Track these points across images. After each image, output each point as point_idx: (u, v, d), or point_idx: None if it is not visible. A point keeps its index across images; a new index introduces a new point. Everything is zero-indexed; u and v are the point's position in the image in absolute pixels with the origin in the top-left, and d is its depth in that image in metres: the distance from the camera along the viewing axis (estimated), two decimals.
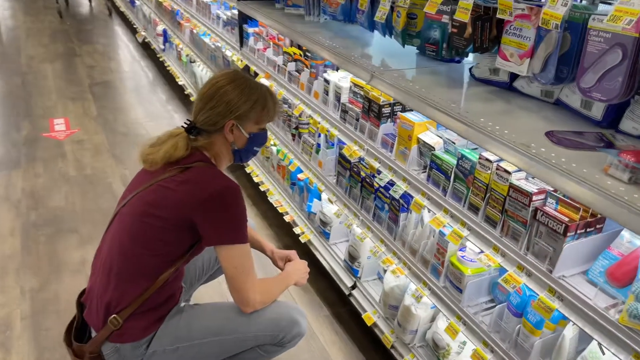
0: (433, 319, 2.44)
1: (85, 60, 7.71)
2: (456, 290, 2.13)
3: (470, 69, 2.33)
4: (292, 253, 2.43)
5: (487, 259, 1.83)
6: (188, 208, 1.89)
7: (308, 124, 3.35)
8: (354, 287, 2.90)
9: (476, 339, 2.02)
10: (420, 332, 2.45)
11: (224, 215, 1.90)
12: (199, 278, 2.56)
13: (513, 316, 1.86)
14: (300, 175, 3.32)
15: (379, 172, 2.45)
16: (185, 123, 2.09)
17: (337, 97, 2.83)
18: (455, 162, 2.04)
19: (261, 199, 4.03)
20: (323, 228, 3.23)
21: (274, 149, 3.82)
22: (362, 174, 2.71)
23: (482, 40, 1.92)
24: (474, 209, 1.94)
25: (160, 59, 7.20)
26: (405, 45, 2.44)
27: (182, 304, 2.19)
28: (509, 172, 1.77)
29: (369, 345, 2.80)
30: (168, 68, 6.75)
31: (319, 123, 2.97)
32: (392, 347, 2.53)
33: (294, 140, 3.46)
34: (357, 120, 2.64)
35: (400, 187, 2.28)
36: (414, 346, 2.47)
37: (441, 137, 2.20)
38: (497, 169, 1.82)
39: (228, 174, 2.19)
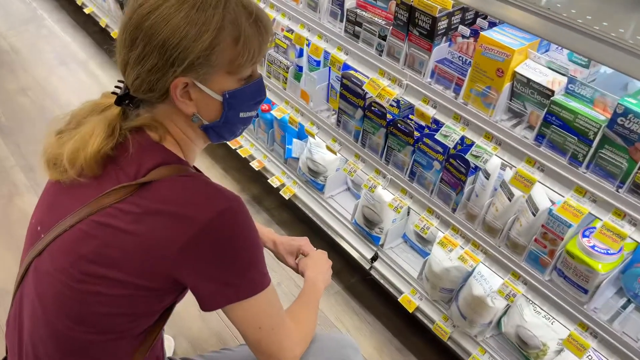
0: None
1: None
2: (576, 289, 1.50)
3: None
4: (304, 243, 1.64)
5: None
6: (162, 260, 1.03)
7: (274, 34, 2.35)
8: (375, 258, 2.21)
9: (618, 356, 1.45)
10: (494, 322, 1.86)
11: (226, 258, 1.06)
12: None
13: None
14: (274, 111, 2.39)
15: (438, 124, 1.64)
16: (117, 87, 1.13)
17: (338, 1, 1.86)
18: (601, 117, 1.29)
19: None
20: (313, 178, 2.42)
21: None
22: (389, 116, 1.88)
23: None
24: None
25: None
26: None
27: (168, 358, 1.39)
28: None
29: (406, 329, 2.20)
30: None
31: (308, 40, 2.00)
32: (450, 338, 1.94)
33: None
34: (383, 38, 1.73)
35: (486, 151, 1.50)
36: (483, 339, 1.89)
37: (555, 70, 1.41)
38: None
39: None
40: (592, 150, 1.31)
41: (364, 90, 1.91)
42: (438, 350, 2.08)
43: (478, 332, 1.88)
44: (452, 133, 1.57)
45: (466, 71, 1.57)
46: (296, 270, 1.60)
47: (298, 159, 2.47)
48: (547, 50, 1.51)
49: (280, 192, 2.50)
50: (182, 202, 1.04)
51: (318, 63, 2.23)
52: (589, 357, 1.60)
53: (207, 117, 1.12)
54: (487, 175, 1.64)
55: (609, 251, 1.44)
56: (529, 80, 1.40)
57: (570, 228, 1.45)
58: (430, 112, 1.63)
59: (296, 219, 2.65)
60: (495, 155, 1.50)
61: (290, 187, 2.49)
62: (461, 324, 1.90)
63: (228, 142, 2.76)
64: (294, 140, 2.48)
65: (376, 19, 1.76)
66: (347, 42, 1.86)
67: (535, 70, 1.41)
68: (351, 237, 2.28)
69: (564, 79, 1.37)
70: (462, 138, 1.65)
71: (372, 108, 1.91)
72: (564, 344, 1.53)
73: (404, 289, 2.10)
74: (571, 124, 1.33)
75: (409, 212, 2.18)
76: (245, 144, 2.73)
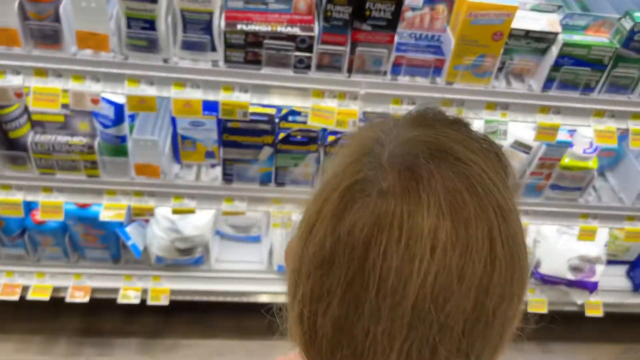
0: None
1: None
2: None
3: None
4: None
5: None
6: None
7: None
8: None
9: None
10: None
11: None
12: None
13: None
14: (108, 217, 1.51)
15: None
16: None
17: (201, 24, 1.15)
18: (606, 40, 1.27)
19: None
20: (186, 257, 1.74)
21: None
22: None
23: None
24: None
25: None
26: None
27: None
28: None
29: None
30: None
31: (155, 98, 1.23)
32: None
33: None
34: (305, 50, 1.20)
35: (498, 121, 1.31)
36: None
37: (542, 10, 1.28)
38: None
39: None
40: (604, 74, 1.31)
41: (272, 124, 1.37)
42: None
43: None
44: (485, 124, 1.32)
45: (432, 48, 1.28)
46: None
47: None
48: None
49: (148, 303, 1.73)
50: None
51: (132, 118, 1.45)
52: None
53: None
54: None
55: None
56: (527, 32, 1.24)
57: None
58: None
59: (161, 321, 1.89)
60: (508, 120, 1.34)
61: (156, 287, 1.74)
62: None
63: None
64: (127, 230, 1.67)
65: (280, 28, 1.19)
66: (238, 77, 1.23)
67: (524, 18, 1.25)
68: (277, 286, 1.82)
69: (556, 17, 1.26)
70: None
71: (292, 137, 1.40)
72: None
73: None
74: (585, 57, 1.27)
75: None
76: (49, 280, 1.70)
